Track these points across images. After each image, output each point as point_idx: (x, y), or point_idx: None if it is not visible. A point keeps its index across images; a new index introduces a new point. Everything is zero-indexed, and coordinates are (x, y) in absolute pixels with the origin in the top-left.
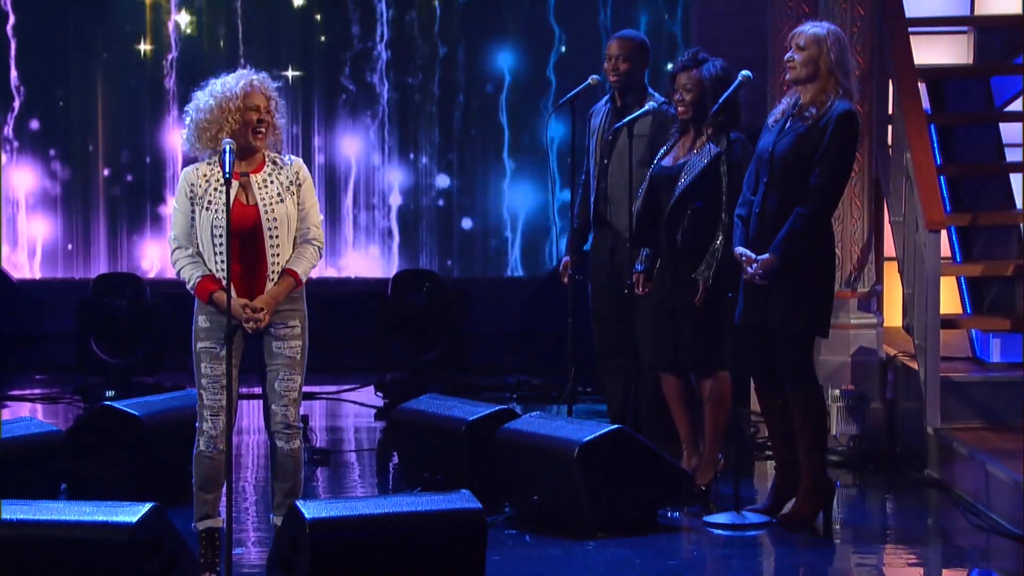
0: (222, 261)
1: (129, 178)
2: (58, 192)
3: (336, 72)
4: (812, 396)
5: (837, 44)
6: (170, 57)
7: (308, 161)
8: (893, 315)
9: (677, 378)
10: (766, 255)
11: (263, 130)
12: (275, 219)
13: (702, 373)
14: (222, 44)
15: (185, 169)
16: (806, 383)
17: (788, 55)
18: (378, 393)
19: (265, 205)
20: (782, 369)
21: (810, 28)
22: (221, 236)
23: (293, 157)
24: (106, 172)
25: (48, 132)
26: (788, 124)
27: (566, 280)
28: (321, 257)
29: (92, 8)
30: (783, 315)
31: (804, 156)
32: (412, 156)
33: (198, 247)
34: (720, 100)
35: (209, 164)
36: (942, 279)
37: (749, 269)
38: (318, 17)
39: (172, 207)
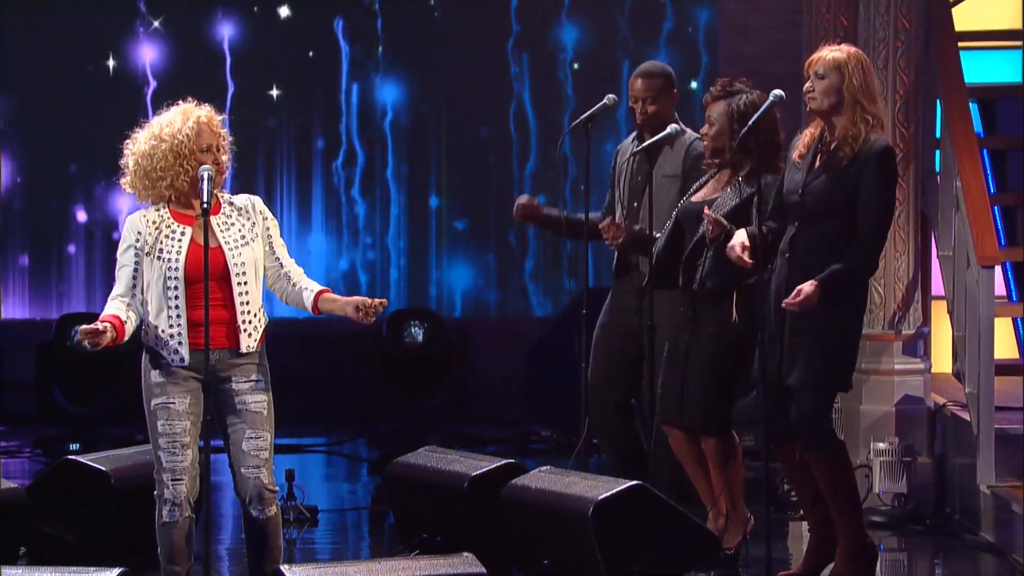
0: (178, 315)
1: (98, 211)
2: (16, 222)
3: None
4: (835, 454)
5: (860, 68)
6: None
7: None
8: (942, 360)
9: (684, 433)
10: (808, 283)
11: (218, 170)
12: (242, 263)
13: (705, 431)
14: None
15: (131, 216)
16: (827, 441)
17: (807, 85)
18: (371, 445)
19: (230, 248)
20: (800, 427)
21: (828, 53)
22: (176, 288)
23: (250, 196)
24: (71, 198)
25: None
26: (818, 163)
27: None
28: None
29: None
30: (807, 369)
31: (840, 198)
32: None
33: (141, 303)
34: (749, 123)
35: (158, 210)
36: (996, 320)
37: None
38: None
39: (117, 261)
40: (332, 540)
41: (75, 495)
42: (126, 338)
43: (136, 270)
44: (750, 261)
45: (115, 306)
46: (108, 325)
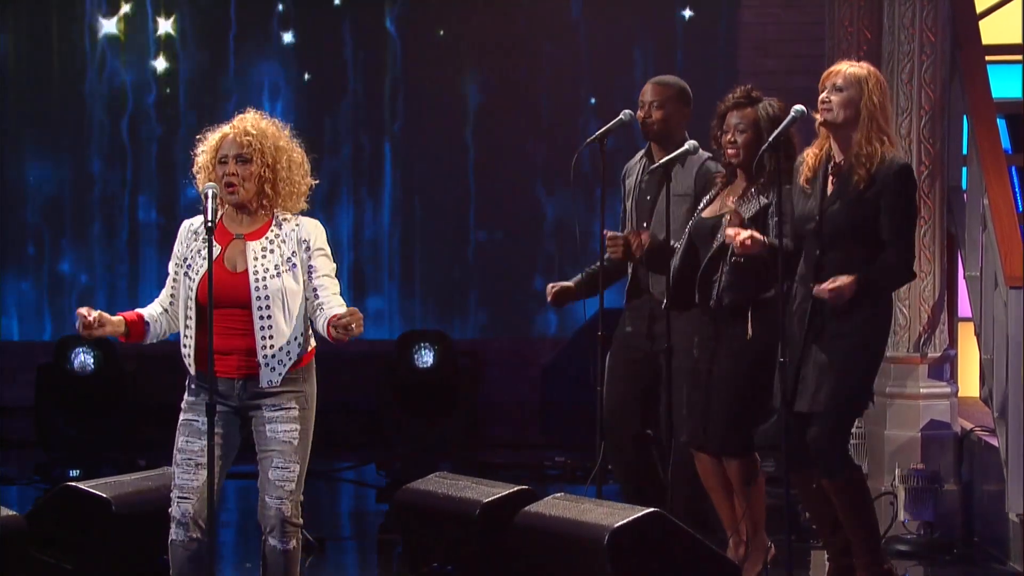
0: (188, 337)
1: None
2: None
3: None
4: (854, 479)
5: (879, 86)
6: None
7: None
8: (969, 384)
9: (711, 457)
10: (844, 277)
11: (235, 184)
12: (267, 295)
13: (727, 453)
14: None
15: (186, 221)
16: (844, 466)
17: (823, 95)
18: (380, 472)
19: (257, 278)
20: (815, 453)
21: (848, 67)
22: (190, 309)
23: (301, 221)
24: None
25: None
26: (831, 187)
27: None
28: None
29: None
30: (823, 394)
31: (861, 222)
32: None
33: (174, 315)
34: (770, 138)
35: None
36: None
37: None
38: None
39: None
40: (339, 570)
41: (75, 523)
42: (146, 340)
43: (176, 281)
44: (745, 238)
45: (151, 307)
46: (102, 316)
